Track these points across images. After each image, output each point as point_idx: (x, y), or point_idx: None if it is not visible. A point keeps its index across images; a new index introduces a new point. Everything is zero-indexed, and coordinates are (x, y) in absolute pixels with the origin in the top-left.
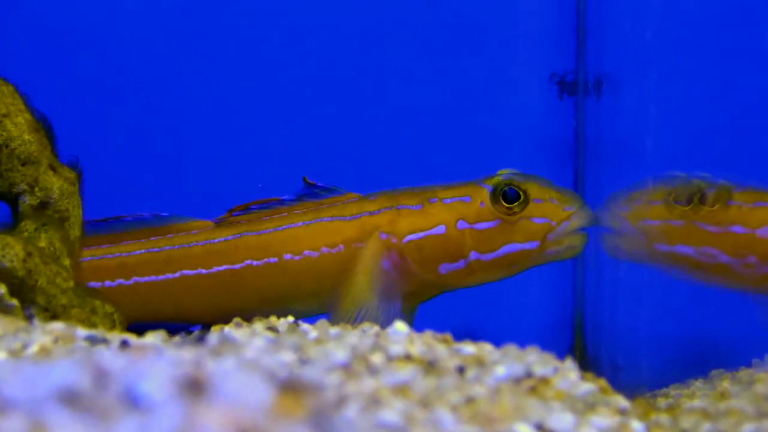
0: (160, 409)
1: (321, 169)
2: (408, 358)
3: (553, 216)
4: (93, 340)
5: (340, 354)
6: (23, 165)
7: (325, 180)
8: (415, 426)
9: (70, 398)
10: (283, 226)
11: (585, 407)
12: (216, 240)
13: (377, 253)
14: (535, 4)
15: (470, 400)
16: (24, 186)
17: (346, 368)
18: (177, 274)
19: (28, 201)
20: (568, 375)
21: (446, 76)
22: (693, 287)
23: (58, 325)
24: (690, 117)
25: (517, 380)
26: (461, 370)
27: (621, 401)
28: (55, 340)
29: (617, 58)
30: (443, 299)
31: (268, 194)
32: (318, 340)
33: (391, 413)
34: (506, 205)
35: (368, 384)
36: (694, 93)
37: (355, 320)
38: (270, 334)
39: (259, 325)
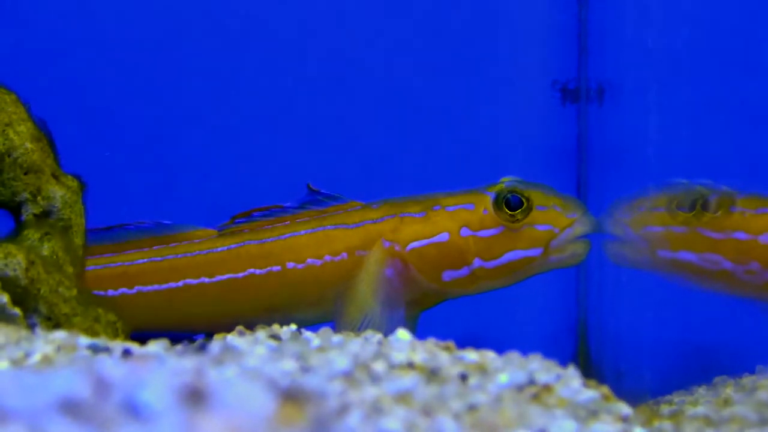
0: (161, 418)
1: (323, 177)
2: (410, 365)
3: (556, 223)
4: (95, 349)
5: (342, 362)
6: (26, 174)
7: (328, 187)
8: None
9: (70, 408)
10: (286, 235)
11: (587, 414)
12: (219, 249)
13: (380, 261)
14: (537, 12)
15: (472, 408)
16: (27, 195)
17: (348, 376)
18: (180, 283)
19: (31, 210)
20: (571, 382)
21: (449, 84)
22: (696, 294)
23: (60, 334)
24: (692, 124)
25: (519, 388)
26: (464, 378)
27: (624, 408)
28: (57, 349)
29: (619, 66)
30: (446, 307)
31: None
32: (320, 348)
33: (393, 421)
34: (509, 212)
35: (370, 392)
36: (695, 100)
37: (358, 328)
38: (272, 343)
39: (261, 334)
